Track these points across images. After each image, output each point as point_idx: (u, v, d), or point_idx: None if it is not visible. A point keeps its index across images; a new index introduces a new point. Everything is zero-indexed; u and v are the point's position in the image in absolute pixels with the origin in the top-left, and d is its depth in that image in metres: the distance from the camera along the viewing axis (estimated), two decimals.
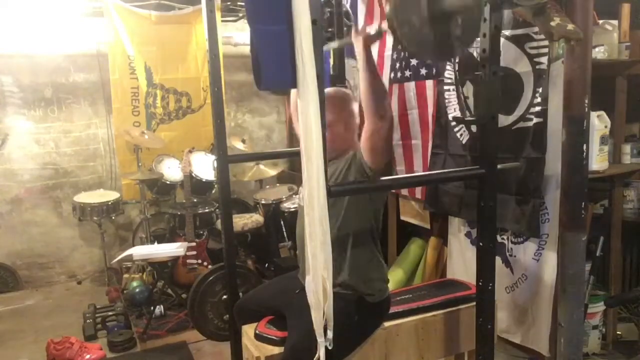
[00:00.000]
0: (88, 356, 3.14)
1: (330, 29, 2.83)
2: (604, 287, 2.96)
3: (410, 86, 3.15)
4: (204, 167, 4.13)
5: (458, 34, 1.49)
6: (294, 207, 3.82)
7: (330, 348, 1.53)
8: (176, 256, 3.53)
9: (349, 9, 3.07)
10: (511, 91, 2.48)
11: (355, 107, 2.07)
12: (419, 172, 3.17)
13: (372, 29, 1.75)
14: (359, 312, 1.96)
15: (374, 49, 3.36)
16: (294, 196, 4.02)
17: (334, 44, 2.40)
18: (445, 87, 2.91)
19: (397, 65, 3.22)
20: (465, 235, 3.04)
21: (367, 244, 2.01)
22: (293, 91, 2.30)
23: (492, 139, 1.79)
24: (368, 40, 1.76)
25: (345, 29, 2.90)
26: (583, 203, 2.19)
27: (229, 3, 4.32)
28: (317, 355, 1.52)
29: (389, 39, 3.27)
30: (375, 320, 2.05)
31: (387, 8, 1.57)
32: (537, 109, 2.41)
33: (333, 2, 2.72)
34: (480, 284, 1.88)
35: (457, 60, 2.81)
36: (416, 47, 1.42)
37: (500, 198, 2.02)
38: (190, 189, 3.76)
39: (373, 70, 1.76)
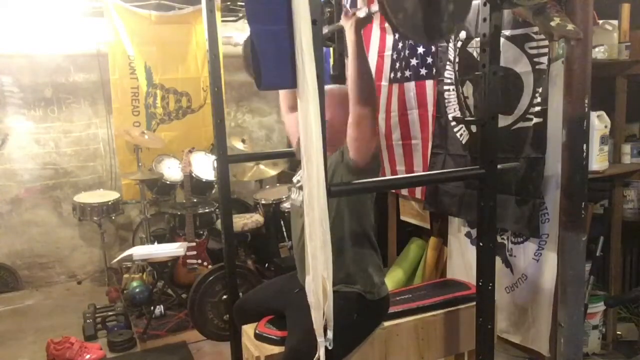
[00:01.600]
0: (88, 356, 3.15)
1: None
2: (604, 287, 2.96)
3: (410, 86, 3.15)
4: (204, 167, 4.13)
5: (450, 10, 1.48)
6: None
7: (330, 348, 1.53)
8: (176, 256, 3.53)
9: (349, 9, 3.08)
10: (511, 91, 2.49)
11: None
12: (419, 172, 3.17)
13: (362, 12, 1.73)
14: (359, 311, 1.96)
15: (374, 49, 3.37)
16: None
17: (324, 29, 2.40)
18: (445, 87, 2.91)
19: (397, 65, 3.22)
20: (465, 235, 3.04)
21: (361, 243, 2.01)
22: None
23: (492, 139, 1.79)
24: (358, 24, 1.73)
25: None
26: (583, 203, 2.19)
27: (229, 3, 4.32)
28: (317, 355, 1.52)
29: (389, 39, 3.27)
30: (374, 319, 2.05)
31: None
32: (537, 109, 2.42)
33: (333, 2, 2.72)
34: (480, 284, 1.88)
35: (455, 60, 2.81)
36: (410, 30, 1.42)
37: (500, 198, 2.02)
38: (190, 189, 3.76)
39: (362, 55, 1.74)
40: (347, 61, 2.04)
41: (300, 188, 1.96)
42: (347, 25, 1.75)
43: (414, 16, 1.41)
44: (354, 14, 1.74)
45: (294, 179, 2.18)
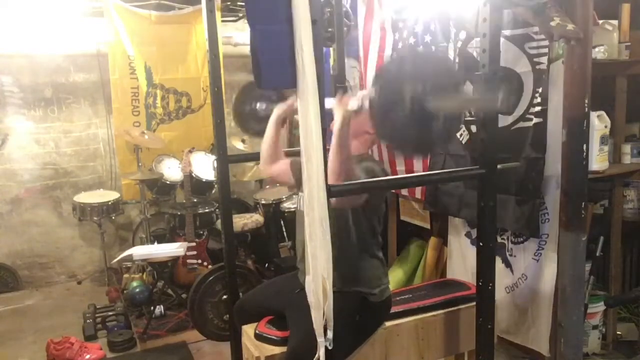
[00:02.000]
0: (88, 356, 3.14)
1: (330, 29, 2.84)
2: (604, 287, 2.96)
3: None
4: (204, 167, 4.13)
5: (439, 130, 1.50)
6: (294, 207, 3.82)
7: (330, 348, 1.53)
8: (176, 256, 3.53)
9: (349, 9, 3.08)
10: (511, 91, 2.48)
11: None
12: (419, 172, 3.17)
13: (354, 103, 1.74)
14: (361, 312, 1.96)
15: (374, 49, 3.37)
16: (293, 196, 4.01)
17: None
18: None
19: None
20: (465, 235, 3.04)
21: (366, 243, 2.01)
22: (264, 147, 2.28)
23: (492, 139, 1.79)
24: (347, 115, 1.74)
25: (345, 29, 2.90)
26: (583, 203, 2.19)
27: (229, 3, 4.31)
28: (317, 355, 1.52)
29: (389, 39, 3.27)
30: (376, 319, 2.06)
31: (371, 92, 1.54)
32: (537, 109, 2.42)
33: (333, 2, 2.72)
34: (480, 284, 1.88)
35: (455, 60, 2.81)
36: (398, 144, 1.43)
37: (500, 198, 2.02)
38: (190, 189, 3.76)
39: (344, 144, 1.71)
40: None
41: None
42: (338, 112, 1.74)
43: (403, 132, 1.42)
44: (347, 103, 1.75)
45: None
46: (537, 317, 2.60)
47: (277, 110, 2.26)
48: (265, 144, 2.30)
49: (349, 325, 1.88)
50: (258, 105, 2.54)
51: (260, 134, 2.34)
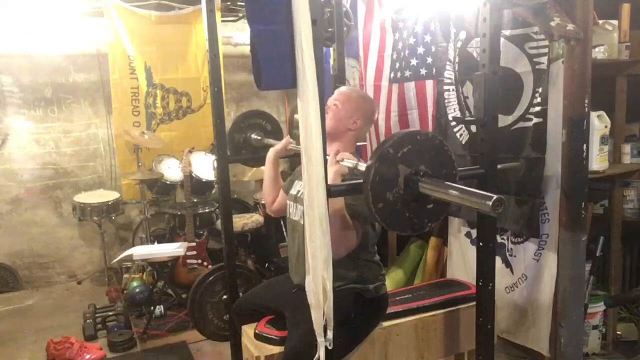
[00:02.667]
0: (88, 356, 3.14)
1: (330, 29, 2.84)
2: (604, 287, 2.96)
3: (410, 86, 3.15)
4: (204, 167, 4.13)
5: (426, 211, 1.52)
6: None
7: (330, 348, 1.53)
8: (176, 256, 3.53)
9: (349, 9, 3.08)
10: (511, 91, 2.49)
11: (368, 113, 2.08)
12: None
13: (348, 163, 1.74)
14: (356, 309, 1.95)
15: (374, 49, 3.37)
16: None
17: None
18: (445, 87, 2.91)
19: (397, 65, 3.22)
20: (465, 235, 3.04)
21: (360, 250, 2.00)
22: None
23: (492, 139, 1.79)
24: (340, 171, 1.76)
25: (345, 29, 2.90)
26: (583, 203, 2.19)
27: (229, 3, 4.32)
28: (317, 355, 1.52)
29: (389, 39, 3.27)
30: (373, 317, 2.05)
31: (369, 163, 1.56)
32: (537, 109, 2.42)
33: (333, 2, 2.72)
34: (480, 284, 1.88)
35: (455, 60, 2.81)
36: (385, 220, 1.45)
37: None
38: (190, 189, 3.76)
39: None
40: None
41: (299, 202, 1.95)
42: (330, 169, 1.74)
43: (392, 208, 1.44)
44: (339, 162, 1.76)
45: (292, 192, 2.15)
46: (537, 317, 2.61)
47: (272, 152, 2.30)
48: (266, 189, 2.33)
49: (345, 323, 1.88)
50: (253, 135, 2.64)
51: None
